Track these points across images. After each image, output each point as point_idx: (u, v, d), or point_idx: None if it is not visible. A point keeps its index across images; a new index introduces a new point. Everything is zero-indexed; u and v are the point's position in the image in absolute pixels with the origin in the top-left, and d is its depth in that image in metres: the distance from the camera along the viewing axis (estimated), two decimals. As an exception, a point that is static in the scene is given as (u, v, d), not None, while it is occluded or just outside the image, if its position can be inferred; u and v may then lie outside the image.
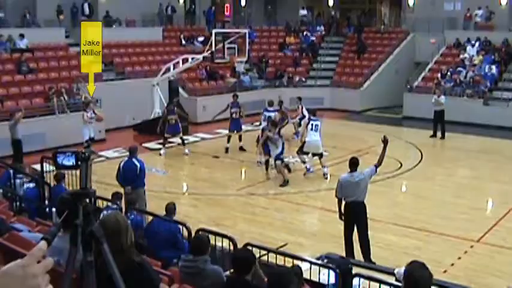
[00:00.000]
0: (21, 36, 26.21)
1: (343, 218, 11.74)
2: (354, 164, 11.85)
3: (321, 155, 18.51)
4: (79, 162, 2.77)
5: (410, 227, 13.94)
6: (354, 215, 11.61)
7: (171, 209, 10.51)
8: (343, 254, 11.30)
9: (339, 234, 13.06)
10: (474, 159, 21.86)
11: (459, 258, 12.16)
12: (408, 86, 30.90)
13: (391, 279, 7.88)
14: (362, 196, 11.59)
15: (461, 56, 31.69)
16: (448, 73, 30.39)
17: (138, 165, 13.40)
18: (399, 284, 6.97)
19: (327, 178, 18.24)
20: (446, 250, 12.61)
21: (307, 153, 18.56)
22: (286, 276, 5.55)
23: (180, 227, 9.91)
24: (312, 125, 18.23)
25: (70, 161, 2.80)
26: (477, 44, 32.05)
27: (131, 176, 13.34)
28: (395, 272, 8.15)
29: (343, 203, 11.72)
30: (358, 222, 11.62)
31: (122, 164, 13.72)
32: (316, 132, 18.14)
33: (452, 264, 11.74)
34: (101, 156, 20.53)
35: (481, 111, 27.21)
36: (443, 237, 13.39)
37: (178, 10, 36.32)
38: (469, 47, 32.04)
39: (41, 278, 1.81)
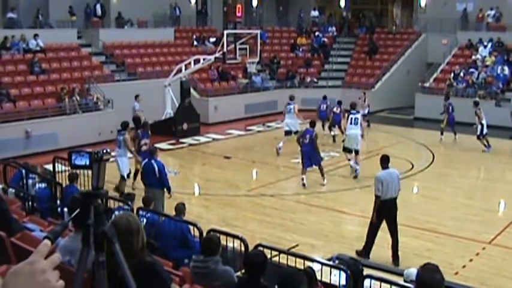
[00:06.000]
0: (35, 36, 26.33)
1: (374, 219, 11.82)
2: (387, 160, 12.04)
3: (357, 152, 18.72)
4: (92, 163, 2.80)
5: (422, 228, 13.90)
6: (389, 212, 11.74)
7: (180, 209, 10.53)
8: (354, 255, 11.29)
9: (350, 235, 13.09)
10: (486, 160, 21.76)
11: (471, 260, 12.11)
12: (422, 86, 30.78)
13: (402, 281, 7.87)
14: (395, 193, 11.79)
15: (473, 57, 31.57)
16: (461, 74, 30.29)
17: (156, 166, 13.46)
18: (409, 286, 6.95)
19: (356, 177, 18.48)
20: (458, 252, 12.56)
21: (350, 151, 18.75)
22: (296, 277, 5.56)
23: (191, 227, 9.93)
24: (352, 118, 18.61)
25: (83, 161, 2.83)
26: (489, 44, 31.91)
27: (151, 177, 13.46)
28: (404, 272, 8.14)
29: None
30: (391, 219, 11.77)
31: (142, 165, 13.90)
32: (356, 126, 18.50)
33: (464, 266, 11.69)
34: (113, 156, 20.57)
35: (493, 112, 27.06)
36: (454, 238, 13.34)
37: (189, 11, 36.36)
38: (481, 48, 31.91)
39: (49, 273, 1.82)
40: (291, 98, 22.95)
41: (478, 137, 22.46)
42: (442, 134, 24.08)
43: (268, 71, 34.30)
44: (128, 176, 16.73)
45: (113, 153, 16.66)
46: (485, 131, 22.39)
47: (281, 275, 5.66)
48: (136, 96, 23.14)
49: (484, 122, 22.43)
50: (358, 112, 19.17)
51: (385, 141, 24.57)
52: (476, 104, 23.16)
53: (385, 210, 11.71)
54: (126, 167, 16.62)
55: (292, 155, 21.36)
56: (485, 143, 22.41)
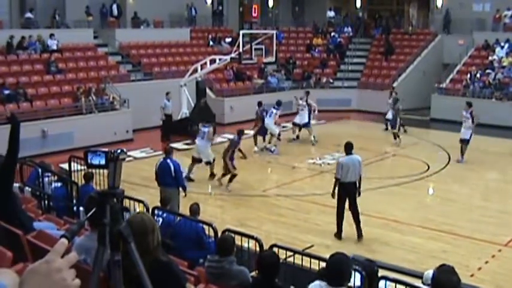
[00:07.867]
0: (51, 36, 26.49)
1: (335, 196, 13.19)
2: (351, 147, 13.13)
3: (278, 135, 22.37)
4: (108, 162, 2.80)
5: (438, 229, 13.83)
6: (349, 193, 13.02)
7: (195, 209, 10.51)
8: (369, 256, 11.24)
9: (365, 236, 13.07)
10: (503, 162, 21.57)
11: (486, 262, 12.03)
12: (438, 87, 30.63)
13: (418, 282, 7.83)
14: (356, 177, 12.97)
15: (490, 58, 31.38)
16: (477, 75, 30.11)
17: (172, 166, 13.48)
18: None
19: (270, 152, 21.95)
20: (474, 254, 12.49)
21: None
22: (346, 263, 5.62)
23: (206, 227, 9.93)
24: (267, 111, 22.40)
25: (98, 160, 2.84)
26: (506, 45, 31.68)
27: (167, 177, 13.47)
28: (424, 275, 8.09)
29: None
30: (351, 199, 13.05)
31: (157, 165, 13.89)
32: (270, 118, 22.21)
33: (480, 268, 11.62)
34: (129, 156, 20.61)
35: (509, 114, 26.91)
36: (470, 240, 13.27)
37: (205, 11, 36.43)
38: (498, 49, 31.70)
39: (65, 272, 1.84)
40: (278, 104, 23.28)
41: (467, 142, 20.69)
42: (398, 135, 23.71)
43: (284, 71, 34.30)
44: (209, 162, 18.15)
45: (196, 141, 18.36)
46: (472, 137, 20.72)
47: (331, 261, 5.65)
48: (167, 94, 23.42)
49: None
50: (275, 108, 22.49)
51: (400, 142, 24.46)
52: (470, 105, 21.00)
53: (345, 192, 13.00)
54: (210, 154, 18.04)
55: (307, 155, 21.37)
56: (464, 152, 20.85)
